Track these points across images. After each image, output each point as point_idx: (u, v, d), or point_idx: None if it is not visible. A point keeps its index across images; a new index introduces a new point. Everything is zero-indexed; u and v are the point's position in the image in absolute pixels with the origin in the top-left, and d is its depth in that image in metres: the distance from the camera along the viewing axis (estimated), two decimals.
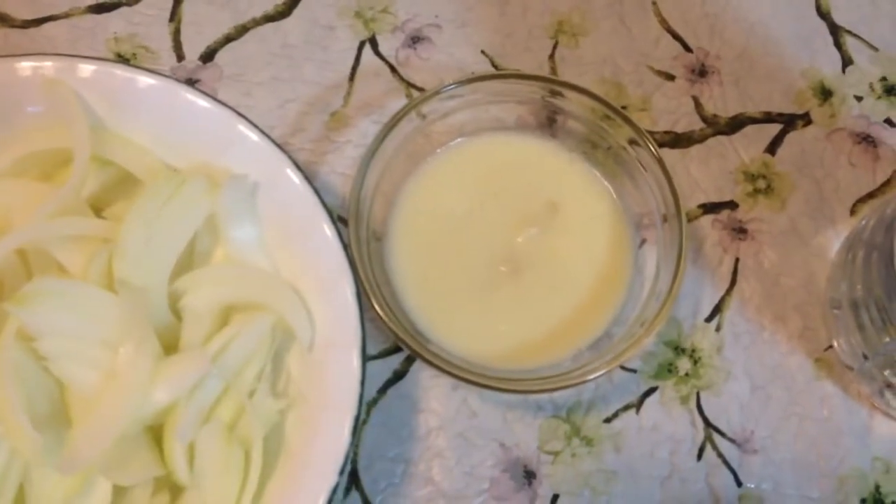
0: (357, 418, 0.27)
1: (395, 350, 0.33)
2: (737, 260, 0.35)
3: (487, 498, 0.31)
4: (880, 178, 0.36)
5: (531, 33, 0.38)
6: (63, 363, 0.25)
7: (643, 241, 0.34)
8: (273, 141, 0.29)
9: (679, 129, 0.37)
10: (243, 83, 0.36)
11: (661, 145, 0.36)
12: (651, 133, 0.36)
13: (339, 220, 0.31)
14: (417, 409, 0.32)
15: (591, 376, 0.29)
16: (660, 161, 0.31)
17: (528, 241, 0.32)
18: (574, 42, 0.38)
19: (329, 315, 0.28)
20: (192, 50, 0.36)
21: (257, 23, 0.37)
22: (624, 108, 0.37)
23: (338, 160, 0.35)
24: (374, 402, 0.32)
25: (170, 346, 0.27)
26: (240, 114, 0.30)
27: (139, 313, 0.26)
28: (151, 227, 0.27)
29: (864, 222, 0.34)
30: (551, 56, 0.37)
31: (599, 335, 0.31)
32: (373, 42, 0.37)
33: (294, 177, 0.29)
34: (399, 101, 0.36)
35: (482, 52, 0.37)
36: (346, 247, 0.29)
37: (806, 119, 0.37)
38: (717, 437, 0.32)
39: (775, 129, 0.37)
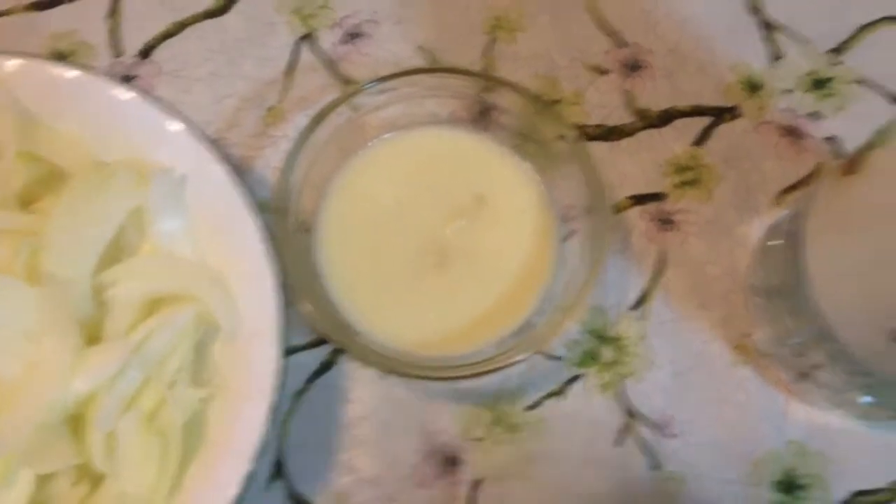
0: (274, 407, 0.28)
1: (323, 341, 0.34)
2: (664, 250, 0.36)
3: (409, 484, 0.32)
4: (804, 170, 0.37)
5: (469, 29, 0.38)
6: None
7: (572, 233, 0.35)
8: (200, 134, 0.30)
9: (611, 122, 0.37)
10: (182, 79, 0.37)
11: (592, 138, 0.37)
12: (583, 126, 0.37)
13: (274, 213, 0.32)
14: (344, 398, 0.33)
15: (509, 361, 0.30)
16: (584, 154, 0.32)
17: (456, 232, 0.33)
18: (511, 38, 0.38)
19: (253, 305, 0.29)
20: (131, 46, 0.37)
21: (196, 19, 0.38)
22: (557, 102, 0.37)
23: (273, 155, 0.36)
24: (302, 392, 0.33)
25: (95, 338, 0.28)
26: (168, 108, 0.30)
27: (62, 305, 0.27)
28: (77, 219, 0.28)
29: (784, 212, 0.35)
30: (488, 51, 0.38)
31: (522, 323, 0.32)
32: (311, 38, 0.38)
33: (220, 170, 0.30)
34: (336, 97, 0.37)
35: (420, 47, 0.38)
36: (271, 238, 0.30)
37: (734, 112, 0.38)
38: (637, 423, 0.33)
39: (705, 122, 0.38)
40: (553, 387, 0.34)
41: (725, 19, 0.39)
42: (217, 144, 0.35)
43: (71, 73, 0.30)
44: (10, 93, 0.29)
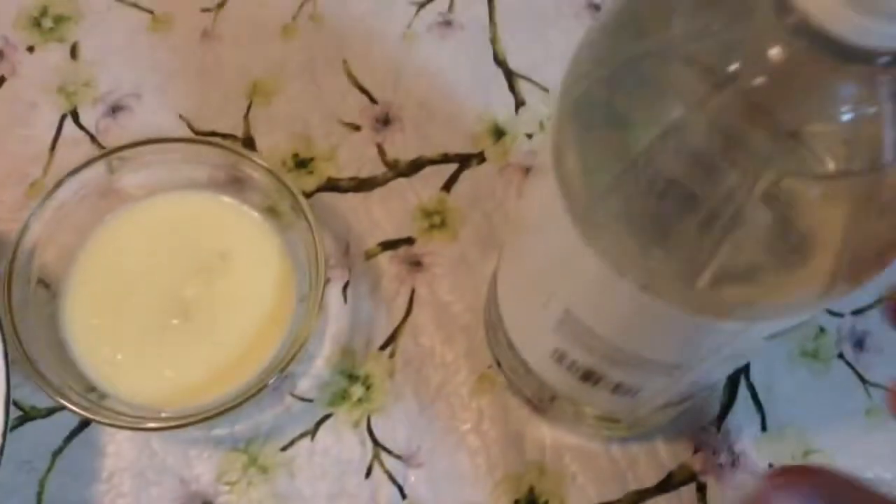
0: None
1: None
2: (412, 290, 0.38)
3: None
4: None
5: (227, 96, 0.41)
6: None
7: (328, 280, 0.38)
8: None
9: (363, 174, 0.40)
10: None
11: (345, 190, 0.40)
12: (336, 179, 0.40)
13: (8, 276, 0.34)
14: (103, 453, 0.35)
15: (234, 404, 0.32)
16: (305, 213, 0.34)
17: (198, 289, 0.35)
18: (267, 101, 0.41)
19: None
20: None
21: None
22: (311, 159, 0.40)
23: None
24: (60, 450, 0.35)
25: None
26: None
27: None
28: None
29: None
30: (245, 116, 0.41)
31: (266, 366, 0.34)
32: (74, 114, 0.40)
33: None
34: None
35: (181, 116, 0.41)
36: (6, 305, 0.32)
37: (480, 157, 0.41)
38: (384, 455, 0.35)
39: (452, 168, 0.41)
40: (305, 428, 0.36)
41: (472, 72, 0.42)
42: None
43: None
44: None
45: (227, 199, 0.37)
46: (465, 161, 0.41)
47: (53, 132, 0.40)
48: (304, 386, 0.36)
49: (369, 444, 0.36)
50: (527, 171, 0.40)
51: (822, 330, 0.39)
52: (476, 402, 0.36)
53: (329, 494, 0.35)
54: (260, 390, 0.32)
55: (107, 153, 0.36)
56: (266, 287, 0.36)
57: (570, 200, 0.21)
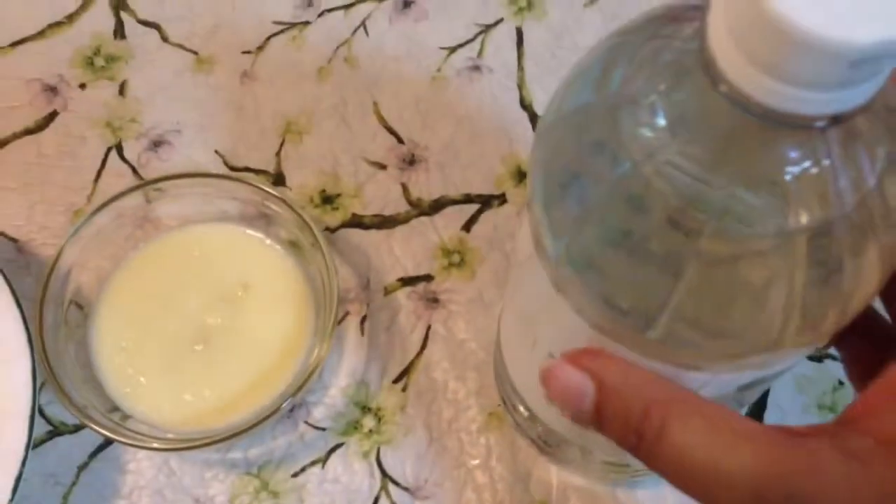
0: (18, 479, 0.31)
1: None
2: (429, 326, 0.39)
3: None
4: None
5: (261, 134, 0.43)
6: None
7: (346, 314, 0.39)
8: None
9: (387, 212, 0.42)
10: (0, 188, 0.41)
11: (369, 227, 0.41)
12: (361, 216, 0.41)
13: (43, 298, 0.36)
14: (124, 470, 0.36)
15: (247, 428, 0.33)
16: (322, 248, 0.36)
17: (220, 317, 0.37)
18: (299, 139, 0.43)
19: (13, 384, 0.33)
20: None
21: (17, 136, 0.42)
22: (338, 195, 0.42)
23: None
24: (85, 465, 0.36)
25: None
26: None
27: None
28: None
29: None
30: (278, 153, 0.43)
31: (280, 393, 0.36)
32: (119, 148, 0.42)
33: None
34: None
35: (217, 152, 0.43)
36: (38, 325, 0.34)
37: (502, 199, 0.42)
38: (391, 487, 0.36)
39: (473, 208, 0.42)
40: (316, 455, 0.37)
41: (498, 115, 0.44)
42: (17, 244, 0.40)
43: None
44: None
45: (253, 232, 0.39)
46: (486, 202, 0.42)
47: (99, 164, 0.42)
48: (319, 414, 0.37)
49: (378, 474, 0.36)
50: None
51: (840, 383, 0.38)
52: (485, 438, 0.37)
53: None
54: (270, 416, 0.34)
55: (145, 184, 0.38)
56: (284, 318, 0.37)
57: (538, 247, 0.22)
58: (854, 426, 0.20)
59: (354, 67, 0.44)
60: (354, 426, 0.37)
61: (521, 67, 0.44)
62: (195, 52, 0.45)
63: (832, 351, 0.39)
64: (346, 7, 0.46)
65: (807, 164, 0.17)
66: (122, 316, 0.37)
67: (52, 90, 0.44)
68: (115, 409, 0.35)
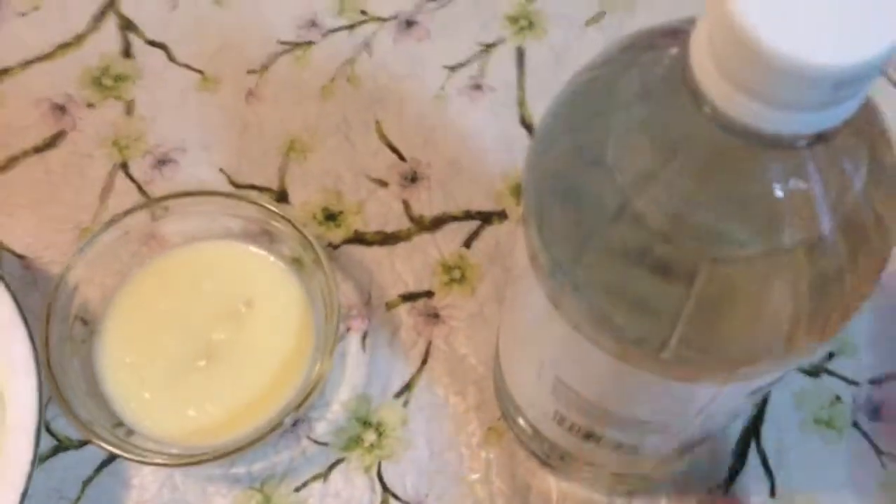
0: (24, 494, 0.31)
1: None
2: (429, 342, 0.40)
3: None
4: None
5: (265, 152, 0.44)
6: None
7: (347, 329, 0.40)
8: None
9: (389, 228, 0.42)
10: (7, 206, 0.42)
11: (371, 243, 0.42)
12: (363, 233, 0.42)
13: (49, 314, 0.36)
14: (129, 485, 0.37)
15: (249, 442, 0.34)
16: (324, 266, 0.36)
17: (223, 335, 0.37)
18: (302, 157, 0.43)
19: (19, 400, 0.33)
20: None
21: (26, 154, 0.43)
22: (340, 212, 0.42)
23: None
24: (90, 480, 0.37)
25: None
26: None
27: None
28: None
29: None
30: (281, 171, 0.43)
31: (282, 407, 0.36)
32: (124, 166, 0.43)
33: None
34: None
35: (221, 170, 0.43)
36: (44, 341, 0.34)
37: (502, 215, 0.42)
38: (392, 501, 0.37)
39: (474, 225, 0.42)
40: (318, 470, 0.37)
41: (499, 132, 0.44)
42: (24, 261, 0.40)
43: None
44: None
45: (256, 249, 0.39)
46: (486, 218, 0.42)
47: (105, 182, 0.43)
48: (321, 430, 0.38)
49: (379, 489, 0.37)
50: None
51: (837, 398, 0.39)
52: (485, 452, 0.37)
53: None
54: (272, 430, 0.34)
55: (150, 202, 0.39)
56: (287, 334, 0.38)
57: (536, 271, 0.22)
58: None
59: (357, 86, 0.45)
60: (356, 441, 0.38)
61: (521, 86, 0.45)
62: (201, 72, 0.45)
63: (829, 366, 0.39)
64: (350, 27, 0.46)
65: (794, 181, 0.18)
66: (127, 332, 0.38)
67: (60, 109, 0.44)
68: (120, 424, 0.36)
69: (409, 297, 0.41)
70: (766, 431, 0.38)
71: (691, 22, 0.18)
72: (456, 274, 0.41)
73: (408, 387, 0.39)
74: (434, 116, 0.45)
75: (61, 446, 0.37)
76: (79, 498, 0.37)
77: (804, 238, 0.19)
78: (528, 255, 0.23)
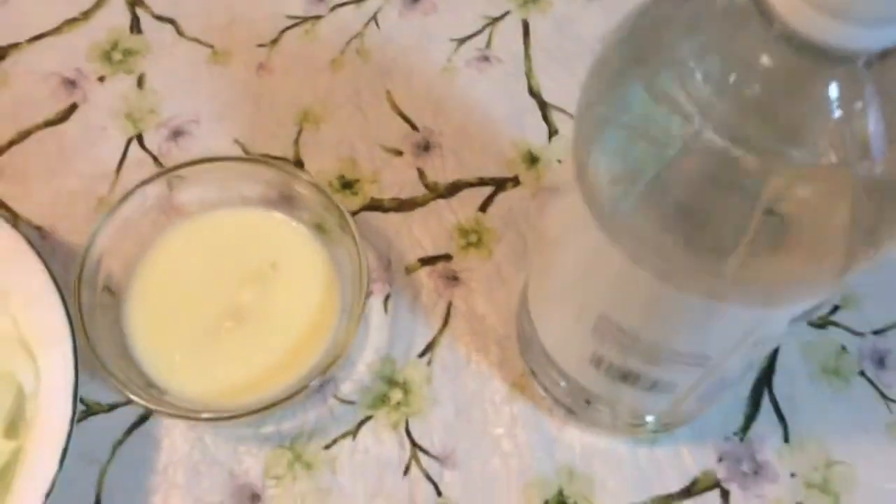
0: (64, 453, 0.32)
1: None
2: (449, 303, 0.41)
3: None
4: None
5: (279, 123, 0.44)
6: None
7: (370, 293, 0.40)
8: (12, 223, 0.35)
9: (404, 195, 0.43)
10: (22, 178, 0.42)
11: (387, 210, 0.42)
12: (379, 200, 0.43)
13: (79, 282, 0.36)
14: (159, 446, 0.37)
15: (279, 401, 0.34)
16: (351, 229, 0.37)
17: (251, 295, 0.38)
18: (316, 128, 0.44)
19: (54, 366, 0.33)
20: None
21: (38, 127, 0.43)
22: (356, 180, 0.43)
23: None
24: (120, 442, 0.37)
25: None
26: None
27: None
28: None
29: None
30: (296, 141, 0.44)
31: (310, 369, 0.37)
32: (139, 138, 0.43)
33: (31, 252, 0.35)
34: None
35: (236, 140, 0.44)
36: (77, 307, 0.35)
37: (515, 181, 0.43)
38: (421, 456, 0.37)
39: (487, 191, 0.43)
40: (347, 428, 0.38)
41: (508, 102, 0.45)
42: (41, 231, 0.40)
43: None
44: None
45: (278, 214, 0.40)
46: (500, 185, 0.43)
47: (120, 154, 0.43)
48: (347, 389, 0.39)
49: (407, 444, 0.38)
50: (549, 192, 0.43)
51: (843, 349, 0.40)
52: (509, 407, 0.38)
53: (370, 491, 0.37)
54: (301, 390, 0.35)
55: (166, 171, 0.39)
56: (313, 296, 0.38)
57: (595, 208, 0.23)
58: None
59: (367, 59, 0.46)
60: (382, 399, 0.38)
61: (528, 57, 0.46)
62: (211, 46, 0.46)
63: (834, 318, 0.41)
64: (357, 1, 0.47)
65: (856, 99, 0.19)
66: (154, 297, 0.38)
67: (71, 83, 0.44)
68: (152, 385, 0.36)
69: (427, 261, 0.41)
70: (778, 382, 0.39)
71: None
72: (472, 238, 0.42)
73: (431, 346, 0.40)
74: (443, 87, 0.45)
75: (90, 411, 0.38)
76: (110, 460, 0.37)
77: (859, 153, 0.20)
78: (579, 201, 0.24)
